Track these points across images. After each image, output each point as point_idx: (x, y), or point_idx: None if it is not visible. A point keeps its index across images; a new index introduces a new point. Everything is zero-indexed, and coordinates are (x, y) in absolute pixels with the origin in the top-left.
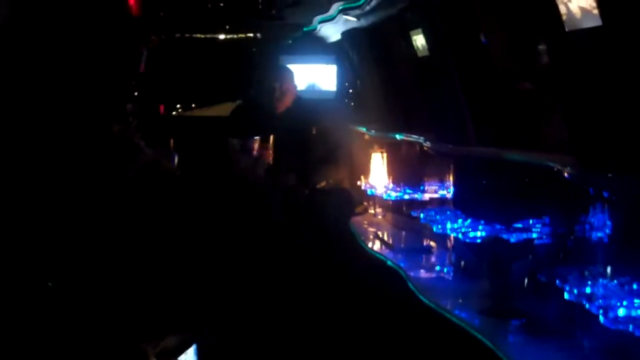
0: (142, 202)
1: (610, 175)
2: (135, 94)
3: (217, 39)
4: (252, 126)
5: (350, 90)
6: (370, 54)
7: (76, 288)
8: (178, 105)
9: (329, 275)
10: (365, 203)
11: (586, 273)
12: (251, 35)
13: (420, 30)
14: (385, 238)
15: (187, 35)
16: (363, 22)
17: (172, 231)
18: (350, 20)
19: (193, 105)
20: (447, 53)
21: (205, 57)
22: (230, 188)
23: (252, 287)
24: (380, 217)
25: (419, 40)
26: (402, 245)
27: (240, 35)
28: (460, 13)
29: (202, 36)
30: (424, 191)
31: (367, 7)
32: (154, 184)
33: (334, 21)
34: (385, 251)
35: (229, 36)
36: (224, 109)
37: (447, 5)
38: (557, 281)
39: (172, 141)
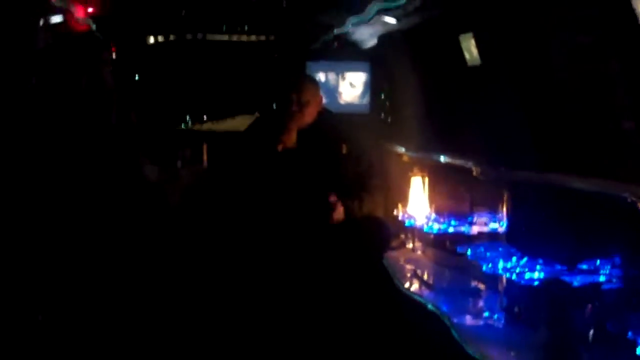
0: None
1: None
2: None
3: (235, 41)
4: (269, 144)
5: (387, 103)
6: (412, 61)
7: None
8: (188, 118)
9: (359, 318)
10: (402, 236)
11: None
12: (273, 38)
13: (470, 34)
14: (426, 277)
15: (201, 37)
16: (404, 24)
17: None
18: (389, 23)
19: (205, 118)
20: (502, 61)
21: (221, 62)
22: (243, 223)
23: (275, 332)
24: (419, 252)
25: (469, 46)
26: (445, 286)
27: (260, 38)
28: (518, 13)
29: (218, 38)
30: (472, 223)
31: (410, 7)
32: (155, 215)
33: (370, 23)
34: (425, 292)
35: (248, 39)
36: (240, 123)
37: (503, 5)
38: (629, 332)
39: (179, 162)
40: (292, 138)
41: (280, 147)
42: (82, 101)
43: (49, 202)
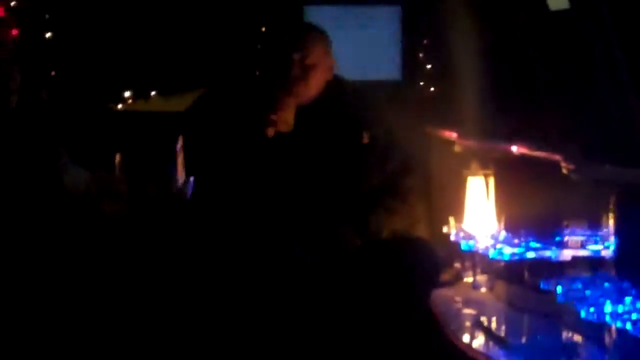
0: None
1: None
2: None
3: None
4: (252, 127)
5: (429, 66)
6: (467, 3)
7: None
8: (127, 94)
9: None
10: (457, 265)
11: None
12: None
13: None
14: (494, 327)
15: None
16: None
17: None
18: None
19: (153, 93)
20: (601, 6)
21: (172, 7)
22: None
23: None
24: (483, 290)
25: None
26: (525, 341)
27: None
28: None
29: None
30: (562, 245)
31: None
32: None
33: None
34: (495, 350)
35: None
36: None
37: None
38: None
39: (118, 158)
40: (288, 118)
41: (270, 131)
42: None
43: None
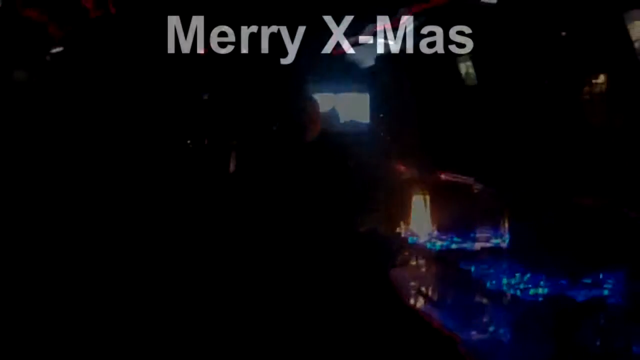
0: None
1: None
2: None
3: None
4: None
5: (387, 122)
6: (410, 81)
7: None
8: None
9: (363, 338)
10: (406, 253)
11: None
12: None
13: (468, 56)
14: (430, 294)
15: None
16: (402, 45)
17: None
18: (387, 44)
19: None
20: (499, 82)
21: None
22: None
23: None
24: (423, 269)
25: (466, 68)
26: (450, 302)
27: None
28: (513, 40)
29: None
30: (474, 239)
31: (408, 29)
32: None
33: (369, 45)
34: (430, 308)
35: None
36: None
37: (498, 31)
38: (634, 347)
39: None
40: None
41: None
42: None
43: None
